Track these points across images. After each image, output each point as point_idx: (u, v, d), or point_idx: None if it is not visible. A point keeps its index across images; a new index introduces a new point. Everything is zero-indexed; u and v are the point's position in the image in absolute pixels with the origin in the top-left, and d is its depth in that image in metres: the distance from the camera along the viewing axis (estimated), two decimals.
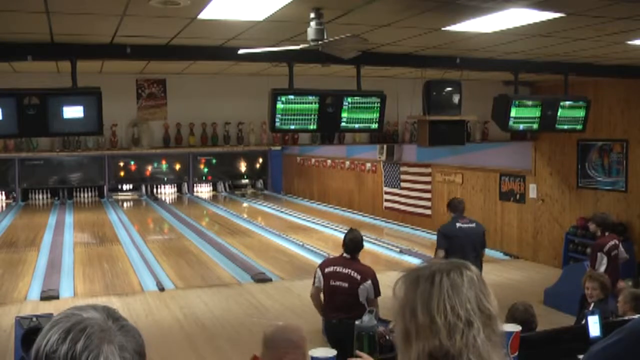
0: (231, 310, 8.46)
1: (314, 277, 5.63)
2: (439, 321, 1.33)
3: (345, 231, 5.77)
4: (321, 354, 2.60)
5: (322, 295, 5.64)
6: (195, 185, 24.72)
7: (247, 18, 4.65)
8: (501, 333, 1.41)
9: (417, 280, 1.40)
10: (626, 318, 4.10)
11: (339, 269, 5.44)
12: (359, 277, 5.34)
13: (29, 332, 5.45)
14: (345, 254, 5.52)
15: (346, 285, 5.34)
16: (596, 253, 6.94)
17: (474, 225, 6.83)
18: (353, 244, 5.50)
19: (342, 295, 5.36)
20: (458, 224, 6.70)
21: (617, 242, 7.06)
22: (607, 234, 7.13)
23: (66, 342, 1.04)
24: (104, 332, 1.07)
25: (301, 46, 4.60)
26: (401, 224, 15.25)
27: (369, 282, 5.33)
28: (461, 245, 6.49)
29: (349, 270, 5.39)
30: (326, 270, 5.50)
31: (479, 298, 1.37)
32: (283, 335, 3.17)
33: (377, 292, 5.34)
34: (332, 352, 2.61)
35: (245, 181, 25.44)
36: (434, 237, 13.62)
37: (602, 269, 6.79)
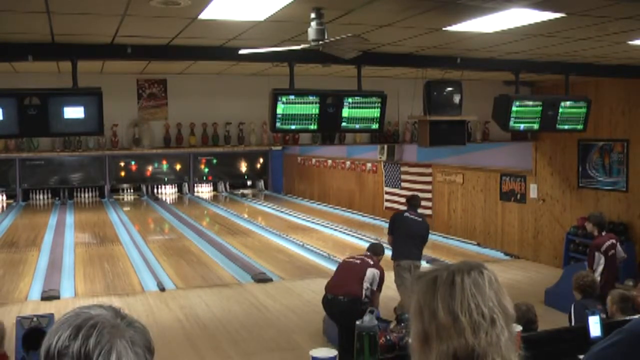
0: (232, 310, 8.46)
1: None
2: (464, 320, 1.32)
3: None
4: (322, 354, 2.60)
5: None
6: (195, 185, 24.73)
7: (248, 18, 4.65)
8: (515, 334, 1.41)
9: (434, 281, 1.38)
10: (627, 318, 4.10)
11: (358, 254, 6.76)
12: (371, 262, 6.34)
13: (30, 332, 5.46)
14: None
15: (358, 262, 6.32)
16: (593, 253, 6.94)
17: (420, 219, 7.86)
18: (373, 247, 6.85)
19: (349, 270, 6.23)
20: (406, 214, 7.87)
21: (614, 241, 7.05)
22: (604, 233, 7.12)
23: (78, 339, 1.05)
24: (114, 328, 1.08)
25: (302, 46, 4.60)
26: None
27: (378, 272, 6.26)
28: (405, 232, 7.65)
29: (364, 256, 6.56)
30: (346, 255, 6.77)
31: (499, 297, 1.37)
32: None
33: (379, 286, 6.25)
34: (333, 352, 2.62)
35: (246, 181, 25.46)
36: (435, 237, 13.70)
37: (600, 268, 6.79)
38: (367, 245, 7.13)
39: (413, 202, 8.09)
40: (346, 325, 5.61)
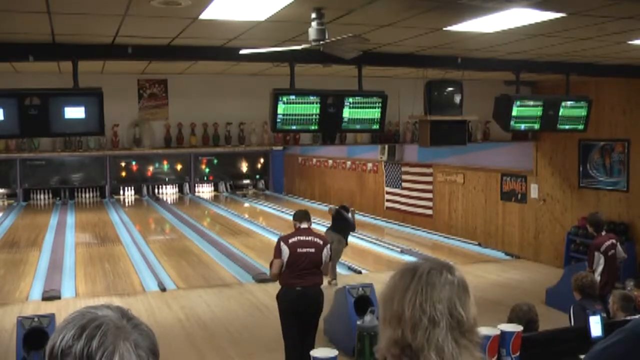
0: (232, 310, 8.47)
1: (279, 251, 5.97)
2: (407, 314, 1.39)
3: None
4: (322, 354, 2.60)
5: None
6: (196, 185, 24.73)
7: (249, 18, 4.66)
8: (474, 338, 1.42)
9: (404, 273, 1.47)
10: (628, 318, 4.10)
11: (302, 237, 5.92)
12: (321, 242, 5.92)
13: (30, 332, 5.47)
14: (302, 225, 6.05)
15: (313, 250, 5.85)
16: (593, 253, 6.93)
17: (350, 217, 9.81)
18: (305, 214, 6.19)
19: (308, 261, 5.86)
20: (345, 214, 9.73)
21: (614, 241, 7.03)
22: (603, 233, 7.11)
23: (82, 339, 1.04)
24: (119, 330, 1.08)
25: (302, 46, 4.60)
26: (402, 224, 15.24)
27: (328, 246, 5.95)
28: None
29: (312, 237, 5.96)
30: (290, 241, 5.90)
31: (453, 301, 1.40)
32: None
33: (330, 256, 6.06)
34: (334, 352, 2.61)
35: (246, 181, 25.46)
36: (435, 237, 13.71)
37: (600, 268, 6.78)
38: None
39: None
40: (312, 313, 5.85)
